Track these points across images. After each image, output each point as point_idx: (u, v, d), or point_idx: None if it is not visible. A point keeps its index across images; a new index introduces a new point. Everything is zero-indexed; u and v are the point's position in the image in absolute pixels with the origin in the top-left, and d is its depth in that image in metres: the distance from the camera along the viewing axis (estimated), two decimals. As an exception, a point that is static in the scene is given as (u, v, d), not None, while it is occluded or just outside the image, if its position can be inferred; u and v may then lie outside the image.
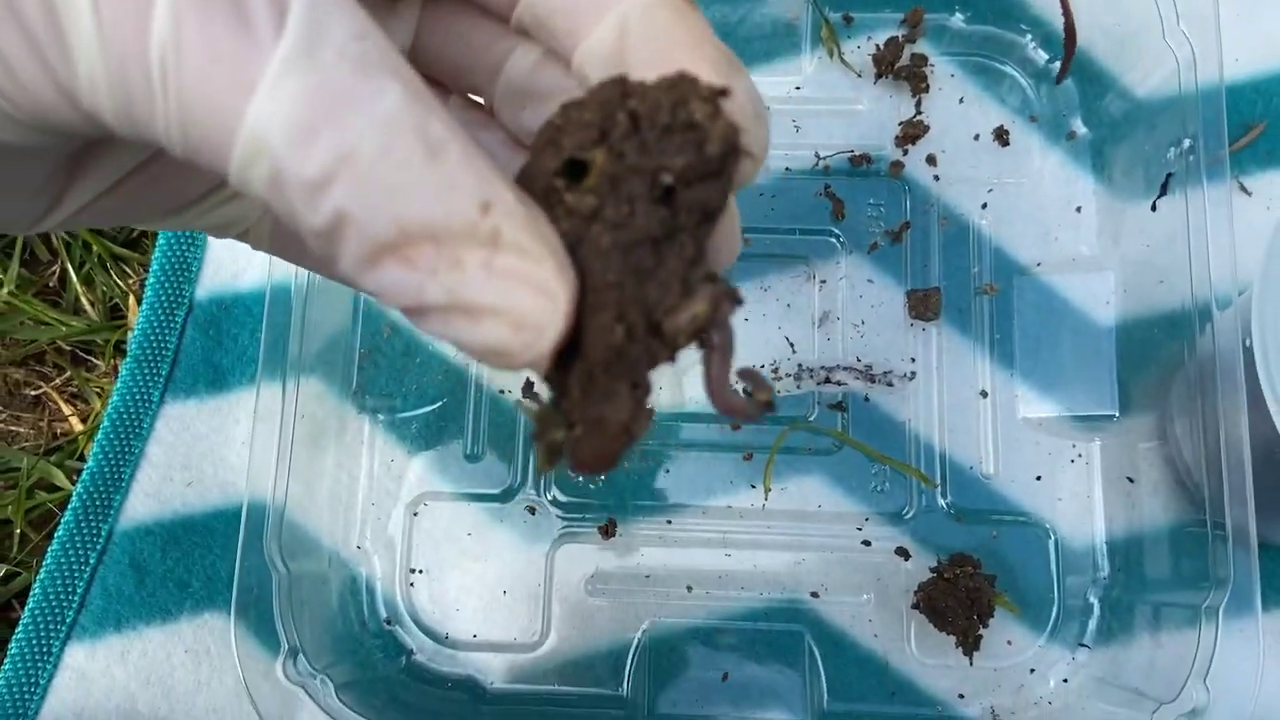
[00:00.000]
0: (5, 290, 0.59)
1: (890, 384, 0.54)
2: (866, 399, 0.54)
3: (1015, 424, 0.53)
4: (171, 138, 0.20)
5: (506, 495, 0.54)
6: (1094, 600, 0.51)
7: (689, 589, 0.52)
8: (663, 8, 0.24)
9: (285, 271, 0.49)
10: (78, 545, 0.53)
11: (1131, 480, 0.52)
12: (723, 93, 0.22)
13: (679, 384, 0.54)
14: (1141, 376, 0.53)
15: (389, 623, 0.53)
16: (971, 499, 0.53)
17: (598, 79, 0.23)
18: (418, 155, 0.20)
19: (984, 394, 0.54)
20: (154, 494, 0.54)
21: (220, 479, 0.54)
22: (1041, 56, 0.57)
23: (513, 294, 0.20)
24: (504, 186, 0.21)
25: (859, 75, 0.57)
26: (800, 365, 0.54)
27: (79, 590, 0.53)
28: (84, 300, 0.60)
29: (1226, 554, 0.44)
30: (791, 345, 0.55)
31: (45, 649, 0.52)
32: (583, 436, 0.23)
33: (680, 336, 0.22)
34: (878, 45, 0.57)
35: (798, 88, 0.58)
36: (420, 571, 0.53)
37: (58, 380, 0.60)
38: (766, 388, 0.24)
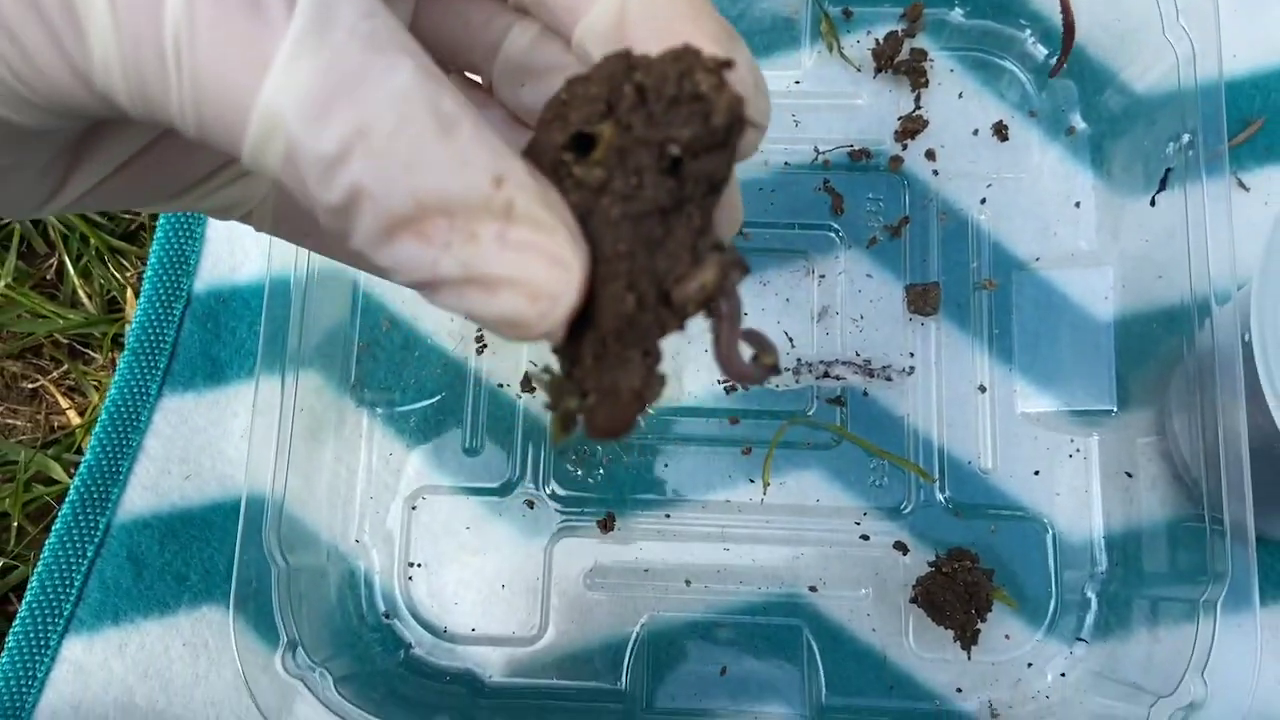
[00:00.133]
0: (2, 283, 0.59)
1: (889, 379, 0.54)
2: (865, 394, 0.54)
3: (1014, 419, 0.53)
4: (185, 118, 0.20)
5: (505, 489, 0.54)
6: (1092, 595, 0.51)
7: (687, 583, 0.52)
8: None
9: (284, 264, 0.49)
10: (75, 538, 0.53)
11: (1130, 475, 0.52)
12: (727, 64, 0.22)
13: (678, 378, 0.54)
14: (1140, 372, 0.53)
15: (388, 616, 0.53)
16: (970, 494, 0.53)
17: (599, 55, 0.23)
18: (431, 130, 0.20)
19: (982, 389, 0.54)
20: (152, 487, 0.54)
21: (218, 472, 0.54)
22: (1041, 51, 0.57)
23: (528, 265, 0.21)
24: (515, 160, 0.21)
25: (858, 70, 0.57)
26: (799, 360, 0.54)
27: (76, 583, 0.52)
28: (81, 293, 0.60)
29: (1224, 548, 0.44)
30: (790, 340, 0.55)
31: (43, 642, 0.52)
32: (597, 404, 0.23)
33: (690, 304, 0.22)
34: (877, 40, 0.57)
35: (797, 82, 0.58)
36: (419, 565, 0.53)
37: (55, 373, 0.60)
38: (772, 350, 0.24)
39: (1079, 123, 0.56)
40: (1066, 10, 0.53)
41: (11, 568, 0.56)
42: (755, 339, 0.24)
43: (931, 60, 0.57)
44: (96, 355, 0.60)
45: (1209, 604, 0.44)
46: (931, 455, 0.53)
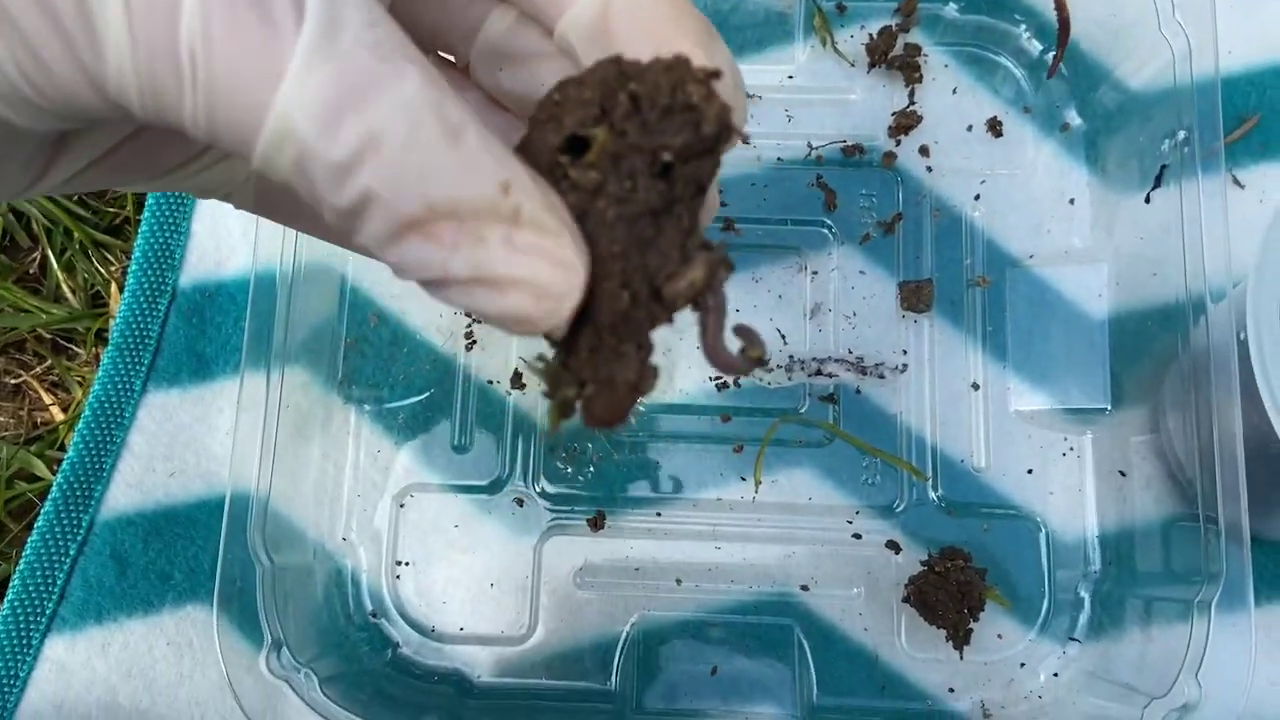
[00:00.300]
0: (-15, 277, 0.58)
1: (882, 376, 0.54)
2: (858, 391, 0.54)
3: (1007, 417, 0.53)
4: (197, 124, 0.21)
5: (494, 487, 0.53)
6: (1085, 594, 0.51)
7: (678, 582, 0.52)
8: None
9: (270, 259, 0.49)
10: (58, 536, 0.52)
11: (1123, 474, 0.52)
12: (715, 74, 0.23)
13: (668, 376, 0.54)
14: (1134, 369, 0.53)
15: (374, 615, 0.52)
16: (963, 492, 0.52)
17: (582, 48, 0.25)
18: (440, 138, 0.21)
19: (975, 386, 0.53)
20: (136, 484, 0.53)
21: (203, 469, 0.54)
22: (1035, 47, 0.56)
23: (534, 267, 0.22)
24: (519, 166, 0.22)
25: (852, 65, 0.57)
26: (791, 357, 0.54)
27: (59, 582, 0.52)
28: (65, 288, 0.59)
29: (1219, 548, 0.44)
30: (783, 337, 0.54)
31: (25, 641, 0.51)
32: (595, 395, 0.24)
33: (679, 300, 0.24)
34: (871, 34, 0.56)
35: (790, 77, 0.57)
36: (407, 564, 0.53)
37: (38, 369, 0.59)
38: (759, 344, 0.26)
39: (1074, 119, 0.56)
40: (1061, 6, 0.53)
41: (-7, 566, 0.55)
42: (744, 333, 0.26)
43: (925, 55, 0.57)
44: (80, 350, 0.59)
45: (1203, 604, 0.44)
46: (924, 453, 0.53)
